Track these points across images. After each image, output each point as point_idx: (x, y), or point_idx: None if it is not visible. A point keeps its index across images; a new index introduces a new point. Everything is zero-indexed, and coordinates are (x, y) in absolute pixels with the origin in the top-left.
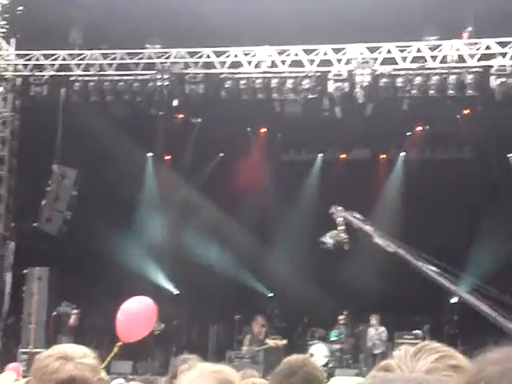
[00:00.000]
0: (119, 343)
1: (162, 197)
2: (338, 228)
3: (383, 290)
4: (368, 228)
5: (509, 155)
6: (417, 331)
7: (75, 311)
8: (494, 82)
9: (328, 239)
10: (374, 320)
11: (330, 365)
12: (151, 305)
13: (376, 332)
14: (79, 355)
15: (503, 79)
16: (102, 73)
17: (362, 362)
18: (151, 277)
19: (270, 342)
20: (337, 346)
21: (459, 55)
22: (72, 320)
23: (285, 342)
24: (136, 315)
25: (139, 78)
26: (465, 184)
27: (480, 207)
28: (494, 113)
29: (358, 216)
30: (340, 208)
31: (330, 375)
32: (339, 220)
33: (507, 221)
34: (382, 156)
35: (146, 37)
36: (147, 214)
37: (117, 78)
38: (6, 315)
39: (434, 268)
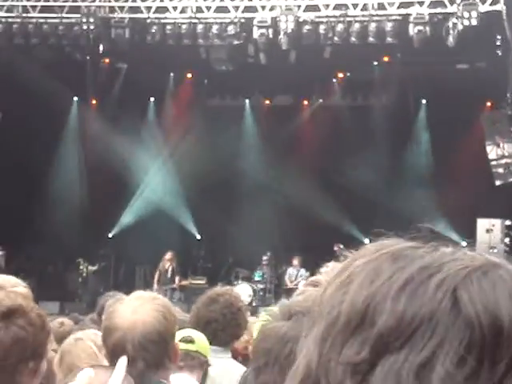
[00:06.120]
0: None
1: (86, 138)
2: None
3: (306, 233)
4: None
5: (423, 101)
6: None
7: (0, 252)
8: (412, 30)
9: None
10: (295, 261)
11: (254, 304)
12: None
13: (296, 272)
14: (10, 284)
15: (421, 27)
16: (25, 15)
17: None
18: (80, 220)
19: (176, 281)
20: (260, 286)
21: (379, 3)
22: None
23: (187, 282)
24: None
25: (64, 21)
26: (382, 129)
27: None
28: (411, 60)
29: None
30: (342, 246)
31: (254, 313)
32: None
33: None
34: (304, 102)
35: None
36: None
37: (41, 20)
38: None
39: None
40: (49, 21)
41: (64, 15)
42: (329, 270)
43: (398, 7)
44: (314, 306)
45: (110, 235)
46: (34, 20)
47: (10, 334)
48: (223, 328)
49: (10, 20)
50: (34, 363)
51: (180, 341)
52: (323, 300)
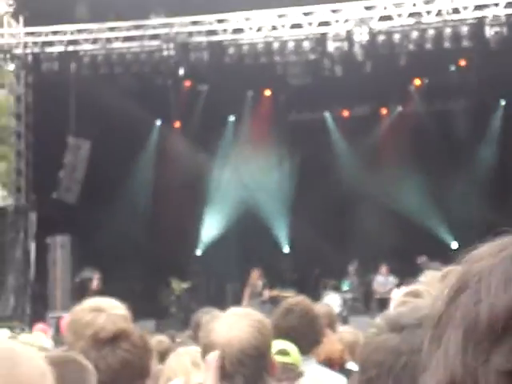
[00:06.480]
0: None
1: (169, 158)
2: None
3: (392, 240)
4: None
5: (502, 102)
6: None
7: (97, 276)
8: (488, 31)
9: None
10: (383, 268)
11: (344, 313)
12: None
13: (385, 280)
14: (110, 307)
15: (498, 29)
16: (109, 46)
17: (374, 308)
18: (167, 238)
19: (266, 295)
20: (349, 295)
21: (453, 8)
22: (94, 284)
23: (277, 292)
24: None
25: (145, 49)
26: (464, 133)
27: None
28: (489, 62)
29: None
30: (425, 258)
31: (344, 323)
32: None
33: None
34: (382, 111)
35: (151, 7)
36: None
37: (124, 50)
38: (32, 282)
39: None
40: (131, 50)
41: (145, 43)
42: (428, 279)
43: (473, 10)
44: (435, 313)
45: (199, 253)
46: (117, 50)
47: (118, 358)
48: (301, 337)
49: (95, 52)
50: (141, 382)
51: (276, 354)
52: (449, 305)
